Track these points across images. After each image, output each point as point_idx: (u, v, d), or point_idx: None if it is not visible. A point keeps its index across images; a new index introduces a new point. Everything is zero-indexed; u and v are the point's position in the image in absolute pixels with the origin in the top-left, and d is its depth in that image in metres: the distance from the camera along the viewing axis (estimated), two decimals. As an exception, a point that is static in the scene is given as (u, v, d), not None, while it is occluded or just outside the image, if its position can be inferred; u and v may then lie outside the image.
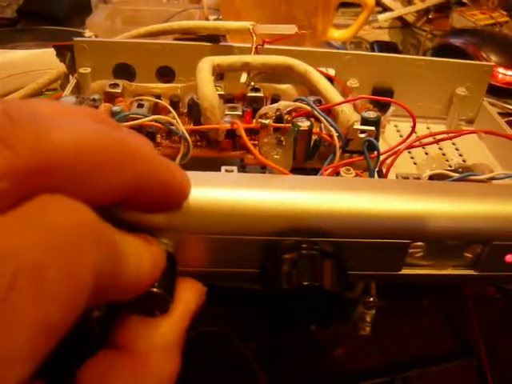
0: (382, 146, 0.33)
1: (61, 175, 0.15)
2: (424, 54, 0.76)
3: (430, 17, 0.89)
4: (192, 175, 0.21)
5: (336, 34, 0.68)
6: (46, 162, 0.14)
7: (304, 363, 0.42)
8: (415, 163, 0.40)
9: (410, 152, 0.40)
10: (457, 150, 0.42)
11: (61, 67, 0.45)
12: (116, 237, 0.17)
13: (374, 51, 0.74)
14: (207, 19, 0.74)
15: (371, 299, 0.36)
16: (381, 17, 0.84)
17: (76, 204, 0.15)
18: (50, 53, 0.44)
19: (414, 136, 0.34)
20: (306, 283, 0.23)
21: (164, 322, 0.21)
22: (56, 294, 0.13)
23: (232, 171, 0.27)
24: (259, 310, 0.26)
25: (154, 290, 0.20)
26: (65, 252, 0.14)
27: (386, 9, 0.88)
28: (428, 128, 0.46)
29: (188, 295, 0.22)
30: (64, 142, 0.15)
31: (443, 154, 0.42)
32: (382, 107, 0.39)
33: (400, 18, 0.88)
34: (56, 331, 0.14)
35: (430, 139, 0.36)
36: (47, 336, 0.13)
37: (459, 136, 0.35)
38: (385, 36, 0.85)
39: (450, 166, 0.39)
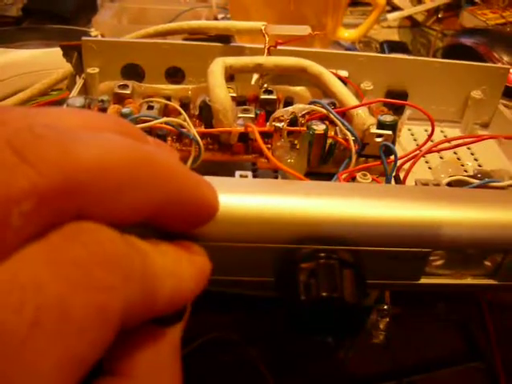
0: (397, 150, 0.32)
1: (86, 195, 0.14)
2: (434, 54, 0.75)
3: (439, 16, 0.88)
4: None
5: (346, 34, 0.67)
6: (72, 181, 0.13)
7: (312, 366, 0.41)
8: (430, 168, 0.39)
9: (424, 156, 0.40)
10: (472, 154, 0.42)
11: (67, 67, 0.44)
12: (150, 258, 0.16)
13: (383, 51, 0.73)
14: (216, 18, 0.73)
15: (385, 307, 0.35)
16: (390, 16, 0.83)
17: (107, 235, 0.14)
18: (55, 52, 0.43)
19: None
20: (325, 294, 0.22)
21: (163, 341, 0.19)
22: (81, 331, 0.13)
23: (246, 176, 0.26)
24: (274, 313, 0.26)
25: None
26: (93, 289, 0.13)
27: (395, 8, 0.88)
28: (442, 131, 0.45)
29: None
30: (90, 159, 0.14)
31: (458, 159, 0.41)
32: (396, 110, 0.38)
33: (409, 18, 0.87)
34: (81, 368, 0.13)
35: (447, 144, 0.35)
36: (70, 374, 0.13)
37: (479, 141, 0.34)
38: (394, 35, 0.84)
39: (466, 171, 0.39)
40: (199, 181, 0.18)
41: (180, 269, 0.18)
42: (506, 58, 0.66)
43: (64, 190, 0.13)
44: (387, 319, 0.35)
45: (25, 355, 0.12)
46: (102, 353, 0.14)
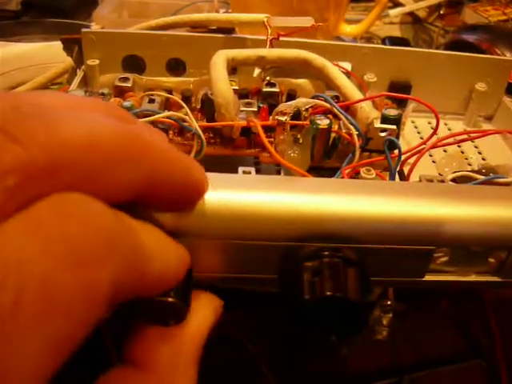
0: (400, 143, 0.32)
1: (72, 172, 0.13)
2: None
3: (441, 12, 0.88)
4: (208, 177, 0.20)
5: (348, 29, 0.67)
6: (57, 157, 0.13)
7: (313, 363, 0.41)
8: (434, 161, 0.39)
9: (428, 150, 0.39)
10: (476, 147, 0.41)
11: (67, 61, 0.44)
12: (140, 233, 0.16)
13: (385, 47, 0.73)
14: (217, 12, 0.73)
15: (388, 303, 0.35)
16: (392, 12, 0.83)
17: (93, 206, 0.14)
18: (56, 46, 0.43)
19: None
20: (329, 294, 0.21)
21: (182, 336, 0.20)
22: (67, 310, 0.12)
23: (250, 172, 0.26)
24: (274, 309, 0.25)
25: (170, 299, 0.19)
26: (80, 265, 0.13)
27: (397, 4, 0.87)
28: (446, 124, 0.45)
29: (205, 310, 0.21)
30: (76, 136, 0.14)
31: (462, 152, 0.41)
32: (400, 102, 0.38)
33: (411, 14, 0.87)
34: (66, 347, 0.13)
35: (452, 139, 0.34)
36: (56, 353, 0.12)
37: (484, 136, 0.34)
38: (396, 31, 0.84)
39: (470, 165, 0.39)
40: (187, 160, 0.18)
41: (168, 253, 0.18)
42: (508, 55, 0.65)
43: (50, 167, 0.13)
44: (390, 315, 0.35)
45: (8, 334, 0.11)
46: (90, 330, 0.13)
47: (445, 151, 0.40)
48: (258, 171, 0.33)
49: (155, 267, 0.16)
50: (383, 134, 0.31)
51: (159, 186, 0.17)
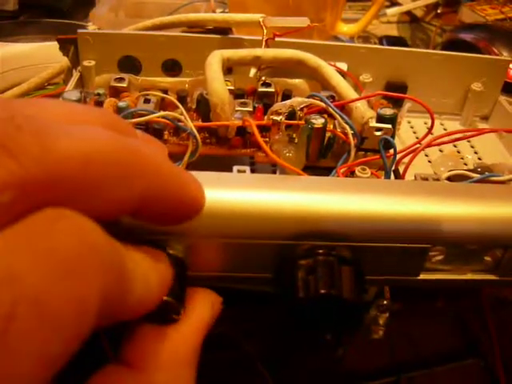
0: (396, 143, 0.32)
1: (67, 188, 0.13)
2: (434, 50, 0.75)
3: (438, 11, 0.88)
4: (203, 176, 0.20)
5: (345, 28, 0.67)
6: (52, 173, 0.13)
7: (309, 363, 0.41)
8: (429, 161, 0.39)
9: (424, 150, 0.39)
10: (472, 147, 0.41)
11: (64, 61, 0.44)
12: (124, 257, 0.16)
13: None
14: (214, 12, 0.73)
15: (385, 302, 0.35)
16: (389, 11, 0.83)
17: (85, 224, 0.14)
18: (52, 46, 0.43)
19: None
20: (323, 292, 0.21)
21: (175, 336, 0.20)
22: (59, 324, 0.12)
23: (244, 171, 0.26)
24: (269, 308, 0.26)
25: (165, 298, 0.19)
26: (70, 279, 0.13)
27: (394, 3, 0.87)
28: (442, 124, 0.45)
29: (201, 308, 0.21)
30: (72, 152, 0.13)
31: (458, 152, 0.41)
32: (396, 102, 0.38)
33: (408, 13, 0.87)
34: (58, 360, 0.13)
35: (447, 138, 0.34)
36: (49, 366, 0.12)
37: (480, 135, 0.34)
38: (393, 31, 0.84)
39: (466, 164, 0.39)
40: (185, 176, 0.18)
41: (147, 274, 0.18)
42: (505, 54, 0.65)
43: (44, 183, 0.13)
44: (387, 314, 0.35)
45: (1, 350, 0.11)
46: (79, 347, 0.13)
47: (441, 151, 0.40)
48: (253, 171, 0.33)
49: (137, 290, 0.16)
50: (378, 134, 0.31)
51: (155, 201, 0.17)
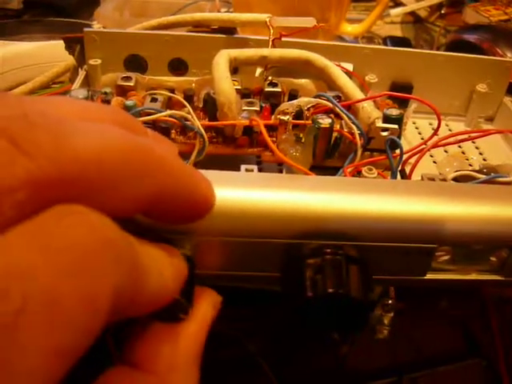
0: (402, 143, 0.32)
1: (80, 186, 0.13)
2: (437, 50, 0.75)
3: (442, 12, 0.88)
4: (211, 175, 0.20)
5: (349, 29, 0.67)
6: (66, 172, 0.13)
7: (313, 361, 0.41)
8: (435, 161, 0.39)
9: (429, 150, 0.39)
10: (477, 148, 0.41)
11: (69, 60, 0.44)
12: (138, 251, 0.16)
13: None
14: (219, 11, 0.73)
15: (390, 302, 0.35)
16: (393, 11, 0.83)
17: (97, 219, 0.14)
18: (57, 45, 0.43)
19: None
20: (331, 291, 0.22)
21: (182, 335, 0.19)
22: (70, 320, 0.12)
23: (252, 170, 0.26)
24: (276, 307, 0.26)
25: (175, 297, 0.19)
26: (83, 275, 0.13)
27: (398, 3, 0.87)
28: (447, 125, 0.45)
29: (205, 307, 0.21)
30: (86, 150, 0.13)
31: (463, 153, 0.41)
32: (401, 103, 0.38)
33: (412, 13, 0.87)
34: (69, 357, 0.12)
35: (453, 139, 0.34)
36: (59, 362, 0.12)
37: (485, 136, 0.34)
38: (397, 31, 0.84)
39: (471, 165, 0.39)
40: (196, 175, 0.18)
41: (162, 268, 0.17)
42: (509, 54, 0.65)
43: (59, 181, 0.13)
44: (391, 314, 0.35)
45: (10, 345, 0.11)
46: (91, 343, 0.13)
47: (446, 152, 0.40)
48: (260, 170, 0.33)
49: (151, 285, 0.16)
50: (385, 134, 0.31)
51: (167, 200, 0.17)
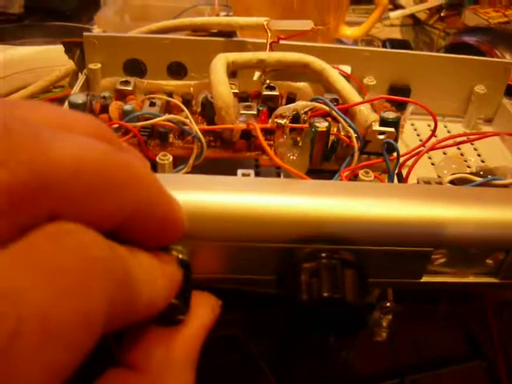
0: (400, 146, 0.32)
1: (58, 195, 0.13)
2: (437, 52, 0.75)
3: (442, 14, 0.88)
4: (207, 179, 0.20)
5: (348, 32, 0.67)
6: (43, 180, 0.13)
7: (314, 364, 0.41)
8: (433, 164, 0.39)
9: (427, 152, 0.39)
10: (475, 149, 0.41)
11: (69, 64, 0.44)
12: (129, 264, 0.15)
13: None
14: (218, 15, 0.73)
15: (388, 304, 0.35)
16: (392, 14, 0.83)
17: (88, 237, 0.14)
18: (58, 49, 0.43)
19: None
20: (326, 295, 0.22)
21: (178, 338, 0.19)
22: (65, 340, 0.12)
23: (249, 175, 0.26)
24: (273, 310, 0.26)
25: (172, 300, 0.19)
26: (76, 294, 0.13)
27: (397, 6, 0.87)
28: (445, 127, 0.45)
29: (202, 310, 0.21)
30: (63, 157, 0.13)
31: (461, 154, 0.41)
32: (399, 105, 0.38)
33: (412, 16, 0.87)
34: (64, 374, 0.13)
35: (451, 141, 0.34)
36: (54, 379, 0.12)
37: (483, 138, 0.34)
38: (396, 34, 0.84)
39: (469, 167, 0.39)
40: (169, 195, 0.18)
41: (154, 278, 0.17)
42: (508, 57, 0.65)
43: (35, 190, 0.13)
44: (390, 316, 0.35)
45: (6, 367, 0.11)
46: (85, 358, 0.13)
47: (444, 154, 0.40)
48: (257, 174, 0.33)
49: (144, 295, 0.16)
50: (382, 137, 0.31)
51: (143, 216, 0.16)
